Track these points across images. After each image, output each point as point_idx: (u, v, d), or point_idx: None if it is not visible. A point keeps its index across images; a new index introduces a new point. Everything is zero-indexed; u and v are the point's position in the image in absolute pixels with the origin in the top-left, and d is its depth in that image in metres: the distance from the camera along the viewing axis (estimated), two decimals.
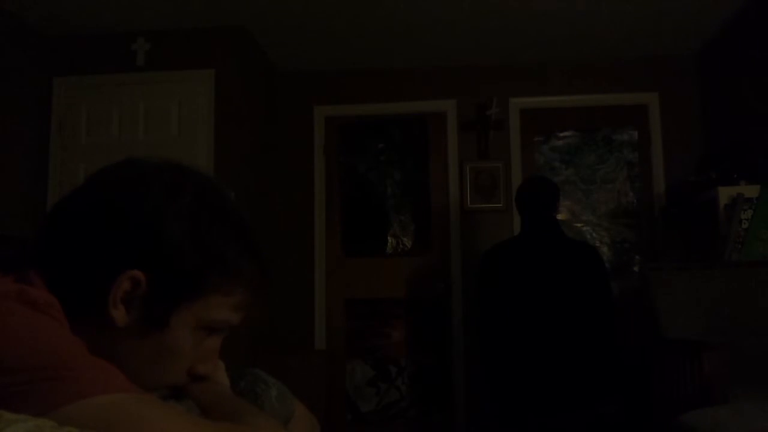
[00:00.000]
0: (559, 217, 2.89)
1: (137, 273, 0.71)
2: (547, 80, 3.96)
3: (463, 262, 3.85)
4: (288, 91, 4.11)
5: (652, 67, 3.90)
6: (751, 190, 2.88)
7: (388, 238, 4.06)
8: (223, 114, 3.44)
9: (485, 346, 2.71)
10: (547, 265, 2.60)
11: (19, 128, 3.35)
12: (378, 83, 4.06)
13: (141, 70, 3.51)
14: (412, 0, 3.22)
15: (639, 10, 3.33)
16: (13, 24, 3.31)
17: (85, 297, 0.72)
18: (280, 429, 0.80)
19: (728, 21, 3.46)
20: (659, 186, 3.82)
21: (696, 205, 3.26)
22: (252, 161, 3.60)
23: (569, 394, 2.48)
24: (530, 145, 3.99)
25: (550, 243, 2.66)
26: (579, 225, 3.91)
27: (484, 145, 3.93)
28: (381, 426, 3.87)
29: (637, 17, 3.41)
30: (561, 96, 3.95)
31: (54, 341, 0.63)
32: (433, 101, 4.03)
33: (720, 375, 2.29)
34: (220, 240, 0.77)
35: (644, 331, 3.08)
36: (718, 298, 2.69)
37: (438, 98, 4.03)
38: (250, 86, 3.61)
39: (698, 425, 2.01)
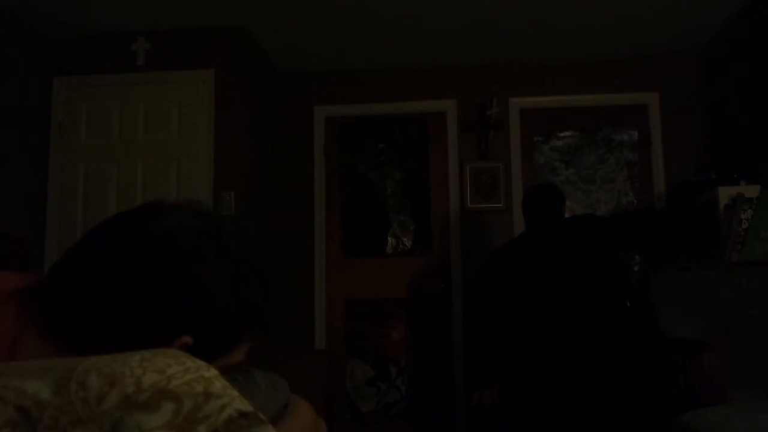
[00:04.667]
0: None
1: (188, 339, 0.72)
2: (547, 80, 3.96)
3: (463, 262, 3.85)
4: (288, 91, 4.11)
5: (652, 67, 3.90)
6: (751, 190, 2.87)
7: (388, 238, 4.06)
8: (223, 114, 3.44)
9: (486, 337, 2.71)
10: (552, 251, 2.62)
11: (19, 128, 3.35)
12: (378, 83, 4.06)
13: (141, 70, 3.51)
14: (413, 0, 3.22)
15: (639, 10, 3.33)
16: (13, 24, 3.31)
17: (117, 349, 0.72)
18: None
19: (728, 21, 3.46)
20: (659, 186, 3.82)
21: (696, 205, 3.26)
22: (252, 161, 3.60)
23: (586, 375, 2.46)
24: (530, 145, 3.99)
25: (554, 233, 2.68)
26: None
27: (484, 145, 3.93)
28: (381, 426, 3.87)
29: (637, 17, 3.41)
30: (561, 96, 3.95)
31: None
32: (433, 101, 4.03)
33: (720, 375, 2.29)
34: (254, 293, 0.78)
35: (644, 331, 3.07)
36: (718, 298, 2.69)
37: (438, 98, 4.03)
38: (250, 86, 3.61)
39: (698, 425, 2.01)
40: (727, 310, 2.66)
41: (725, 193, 2.95)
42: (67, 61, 3.56)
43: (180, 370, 0.55)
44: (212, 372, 0.57)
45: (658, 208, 3.74)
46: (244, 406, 0.54)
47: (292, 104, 4.10)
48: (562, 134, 4.00)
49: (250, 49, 3.61)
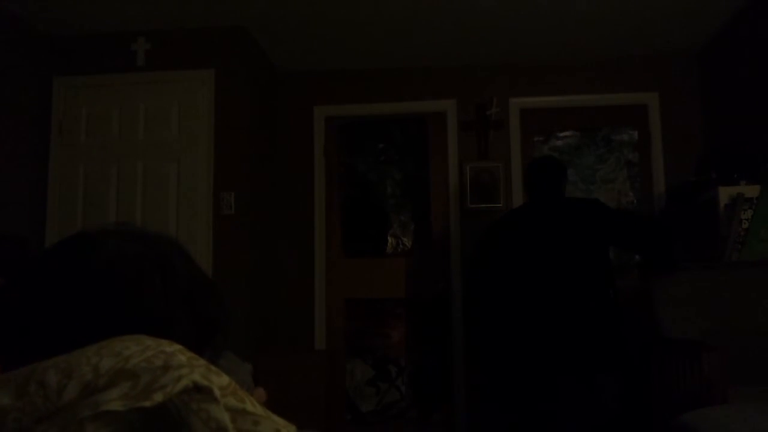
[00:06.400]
0: None
1: None
2: (547, 80, 3.96)
3: (463, 262, 3.84)
4: (288, 91, 4.11)
5: (652, 67, 3.90)
6: (751, 190, 2.87)
7: (388, 238, 4.06)
8: (223, 114, 3.44)
9: (477, 314, 2.81)
10: (549, 224, 2.71)
11: (19, 128, 3.35)
12: (378, 83, 4.06)
13: (141, 70, 3.51)
14: (413, 1, 3.22)
15: (639, 10, 3.33)
16: (13, 24, 3.31)
17: None
18: None
19: (728, 21, 3.46)
20: (659, 186, 3.82)
21: (696, 205, 3.25)
22: (252, 161, 3.60)
23: (570, 360, 2.52)
24: (530, 145, 3.99)
25: (554, 206, 2.77)
26: None
27: (484, 145, 3.93)
28: (381, 426, 3.87)
29: (637, 17, 3.41)
30: (561, 96, 3.95)
31: None
32: (433, 101, 4.03)
33: (720, 375, 2.29)
34: (210, 308, 0.76)
35: (644, 331, 3.08)
36: (718, 298, 2.69)
37: (438, 98, 4.03)
38: (250, 86, 3.60)
39: (698, 425, 2.01)
40: (727, 310, 2.66)
41: (725, 193, 2.95)
42: (67, 61, 3.56)
43: (138, 350, 0.55)
44: (175, 347, 0.56)
45: (662, 215, 3.75)
46: (203, 379, 0.53)
47: (292, 104, 4.10)
48: (562, 134, 4.00)
49: (250, 49, 3.61)
